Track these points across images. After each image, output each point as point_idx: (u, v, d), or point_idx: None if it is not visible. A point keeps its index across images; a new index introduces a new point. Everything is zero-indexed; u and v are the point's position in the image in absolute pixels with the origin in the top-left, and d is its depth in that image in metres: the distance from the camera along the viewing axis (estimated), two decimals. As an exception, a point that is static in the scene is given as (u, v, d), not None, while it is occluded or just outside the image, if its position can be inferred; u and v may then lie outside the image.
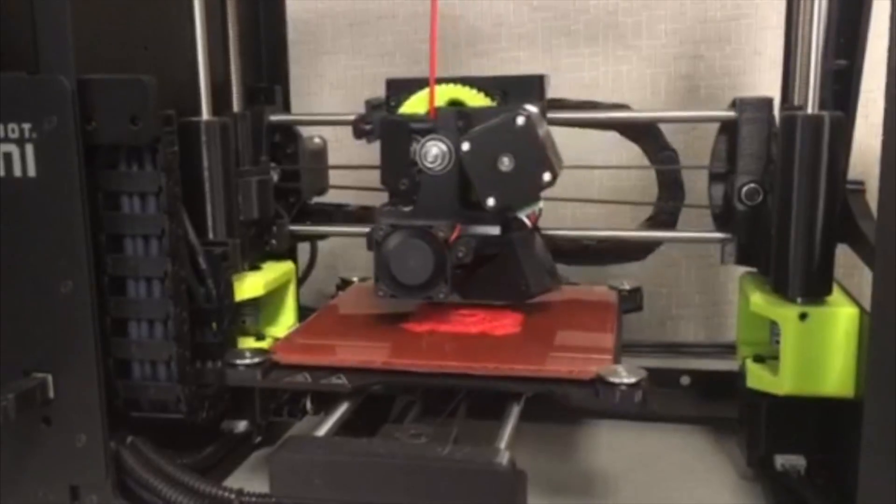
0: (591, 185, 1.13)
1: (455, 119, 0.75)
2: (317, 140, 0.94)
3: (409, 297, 0.73)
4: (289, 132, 0.91)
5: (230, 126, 0.80)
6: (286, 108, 0.96)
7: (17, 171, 0.65)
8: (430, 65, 0.76)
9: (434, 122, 0.76)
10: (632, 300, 0.89)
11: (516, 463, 0.55)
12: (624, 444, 0.84)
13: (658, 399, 0.91)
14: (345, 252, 1.18)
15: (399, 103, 0.80)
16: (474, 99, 0.79)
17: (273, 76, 0.96)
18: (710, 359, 1.01)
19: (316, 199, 0.95)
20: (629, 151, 0.89)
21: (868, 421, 0.53)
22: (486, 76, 0.80)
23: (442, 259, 0.71)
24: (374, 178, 0.98)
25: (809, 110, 0.68)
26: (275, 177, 0.89)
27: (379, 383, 0.68)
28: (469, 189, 0.75)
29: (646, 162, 0.83)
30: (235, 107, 0.86)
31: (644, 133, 0.82)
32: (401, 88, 0.80)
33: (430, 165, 0.75)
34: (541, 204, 0.75)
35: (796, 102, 0.75)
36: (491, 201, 0.73)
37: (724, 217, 0.80)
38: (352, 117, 0.83)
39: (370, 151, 1.08)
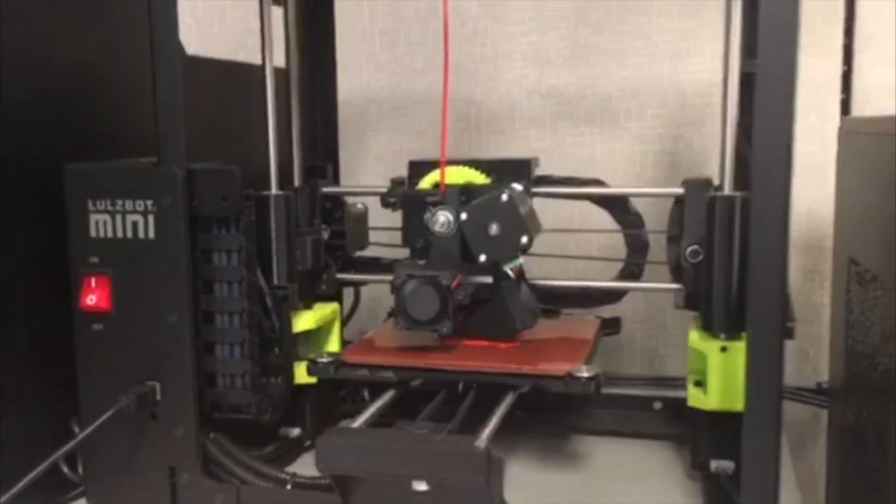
0: (589, 243, 1.30)
1: (458, 194, 0.93)
2: (360, 206, 1.10)
3: (419, 330, 0.90)
4: (337, 200, 1.08)
5: (292, 198, 0.97)
6: (336, 181, 1.13)
7: (141, 234, 0.82)
8: (441, 151, 0.92)
9: (443, 196, 0.92)
10: (610, 325, 1.08)
11: (491, 450, 0.75)
12: (603, 455, 1.01)
13: (635, 420, 1.10)
14: (383, 296, 1.36)
15: (419, 179, 0.98)
16: (476, 177, 0.96)
17: (325, 154, 1.14)
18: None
19: (358, 253, 1.09)
20: (599, 217, 1.08)
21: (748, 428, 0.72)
22: (487, 159, 0.97)
23: (446, 300, 0.89)
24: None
25: (726, 191, 0.86)
26: (325, 235, 1.04)
27: (418, 377, 0.91)
28: (468, 248, 0.92)
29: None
30: (296, 181, 1.02)
31: (614, 203, 1.02)
32: (421, 168, 0.99)
33: (438, 230, 0.91)
34: (521, 259, 0.93)
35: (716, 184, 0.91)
36: (482, 257, 0.90)
37: (677, 272, 0.96)
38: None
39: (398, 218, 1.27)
